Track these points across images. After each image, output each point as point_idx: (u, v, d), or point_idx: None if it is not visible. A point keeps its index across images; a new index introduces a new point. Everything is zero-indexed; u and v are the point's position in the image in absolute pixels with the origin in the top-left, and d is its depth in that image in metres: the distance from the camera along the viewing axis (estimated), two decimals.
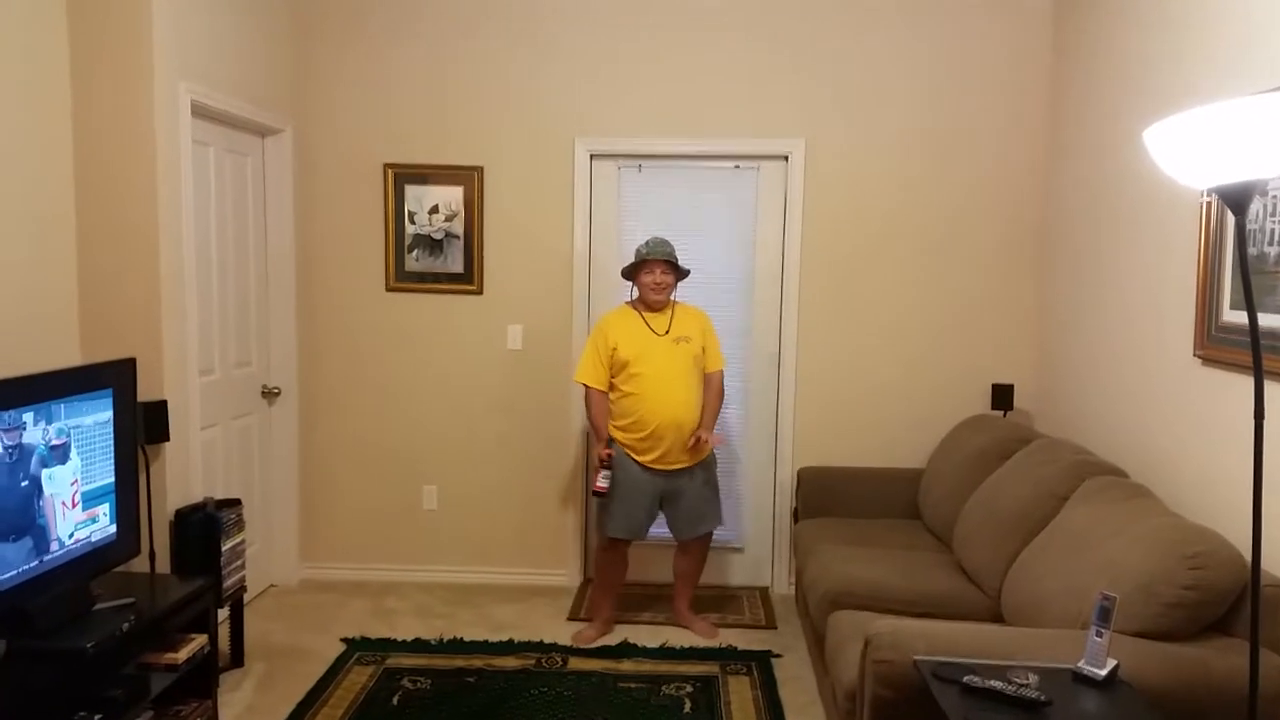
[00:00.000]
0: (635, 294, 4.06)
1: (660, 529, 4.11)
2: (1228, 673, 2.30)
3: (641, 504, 3.99)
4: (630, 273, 4.03)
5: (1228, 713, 2.27)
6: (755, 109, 4.51)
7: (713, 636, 4.11)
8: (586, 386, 4.03)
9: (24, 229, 3.17)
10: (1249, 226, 2.77)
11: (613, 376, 4.00)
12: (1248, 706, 2.01)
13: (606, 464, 3.92)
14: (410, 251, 4.63)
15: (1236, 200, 1.94)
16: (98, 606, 2.94)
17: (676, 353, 3.95)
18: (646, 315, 4.00)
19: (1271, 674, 2.29)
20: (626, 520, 3.99)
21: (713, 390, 4.06)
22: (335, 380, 4.72)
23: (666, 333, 3.97)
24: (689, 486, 4.01)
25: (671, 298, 4.04)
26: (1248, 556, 2.47)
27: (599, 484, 3.92)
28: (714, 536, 4.19)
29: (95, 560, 3.06)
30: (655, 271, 3.93)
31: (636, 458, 3.96)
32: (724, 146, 4.53)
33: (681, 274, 4.01)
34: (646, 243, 3.98)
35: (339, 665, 3.79)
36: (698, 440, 3.92)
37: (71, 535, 2.95)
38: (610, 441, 3.96)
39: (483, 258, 4.62)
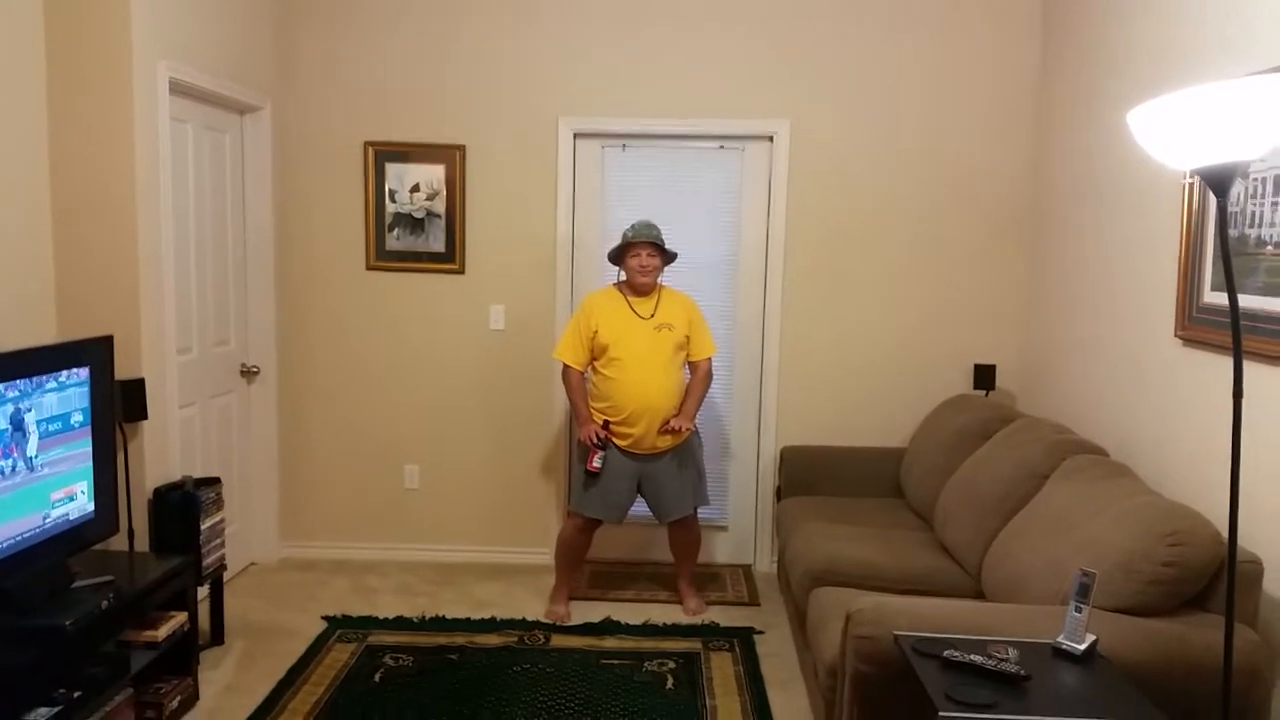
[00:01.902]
0: (622, 277, 4.04)
1: (641, 508, 4.11)
2: (1204, 647, 2.33)
3: (621, 488, 3.98)
4: (616, 256, 4.01)
5: (1204, 686, 2.30)
6: (740, 89, 4.49)
7: (695, 614, 4.13)
8: (564, 364, 4.02)
9: None
10: (1230, 209, 2.79)
11: (594, 359, 3.99)
12: (1223, 680, 2.04)
13: (602, 443, 3.91)
14: (391, 230, 4.59)
15: (1219, 182, 1.95)
16: (76, 584, 2.92)
17: (658, 339, 3.93)
18: (632, 299, 3.98)
19: (1246, 648, 2.32)
20: (605, 502, 3.99)
21: (699, 377, 4.04)
22: (315, 359, 4.69)
23: (651, 317, 3.95)
24: (666, 471, 4.00)
25: (659, 281, 4.02)
26: (1225, 534, 2.50)
27: (594, 464, 3.90)
28: (698, 514, 4.19)
29: (74, 538, 3.04)
30: (641, 254, 3.91)
31: (614, 441, 3.96)
32: (709, 127, 4.51)
33: (669, 257, 4.00)
34: (633, 225, 3.96)
35: (320, 643, 3.78)
36: (671, 429, 3.90)
37: (49, 513, 2.92)
38: (606, 423, 3.94)
39: (464, 237, 4.59)
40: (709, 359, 4.06)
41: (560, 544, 4.15)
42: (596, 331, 3.94)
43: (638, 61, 4.49)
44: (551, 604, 4.14)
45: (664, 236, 3.97)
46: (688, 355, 4.03)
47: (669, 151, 4.57)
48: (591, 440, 3.91)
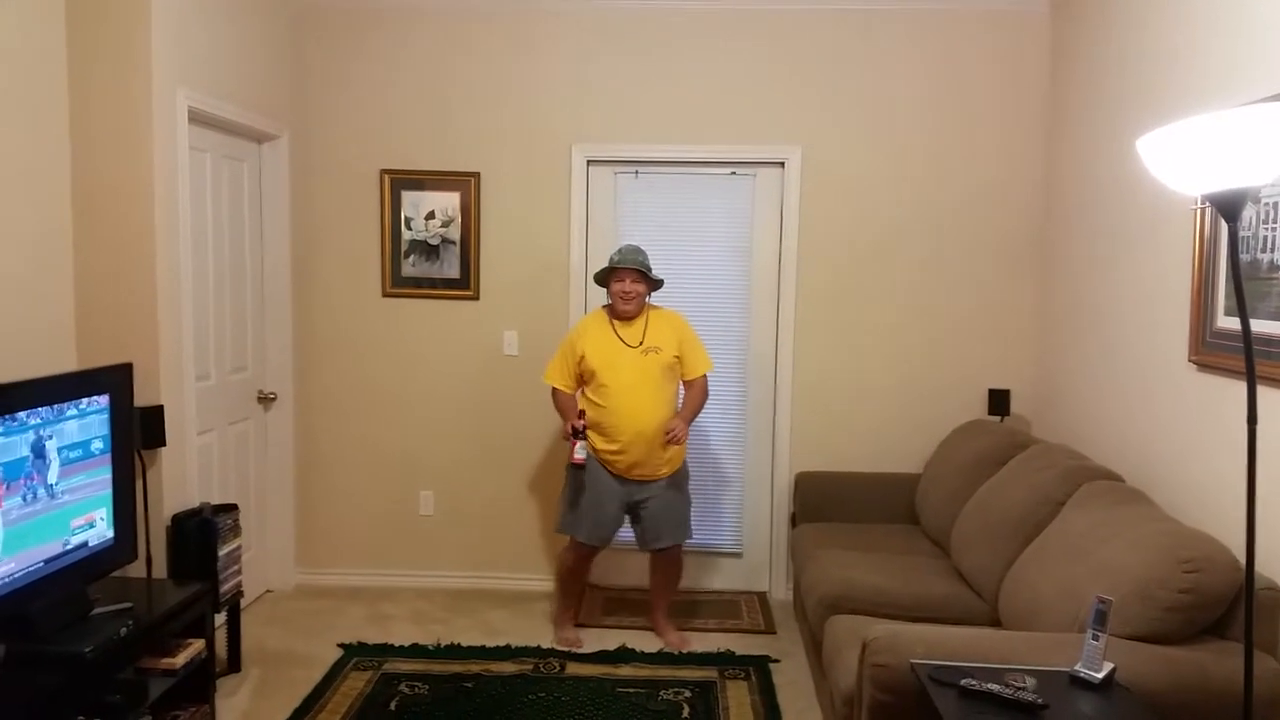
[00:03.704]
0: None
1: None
2: (1224, 675, 2.31)
3: (609, 511, 3.96)
4: (602, 278, 4.00)
5: (1224, 715, 2.27)
6: (752, 116, 4.53)
7: (683, 645, 4.06)
8: (553, 387, 4.01)
9: (21, 235, 3.17)
10: (1242, 233, 2.79)
11: (585, 384, 3.97)
12: (1243, 709, 2.03)
13: (580, 434, 3.83)
14: (406, 257, 4.64)
15: (1229, 207, 1.96)
16: (96, 611, 2.94)
17: (645, 364, 3.89)
18: (618, 325, 3.95)
19: (1266, 676, 2.31)
20: (594, 526, 3.96)
21: (695, 390, 4.00)
22: (331, 385, 4.72)
23: (639, 344, 3.91)
24: (655, 499, 3.95)
25: (648, 301, 3.98)
26: (1242, 560, 2.49)
27: (576, 455, 3.82)
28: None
29: (93, 565, 3.06)
30: (625, 280, 3.87)
31: (606, 467, 3.93)
32: (720, 153, 4.54)
33: (654, 284, 3.97)
34: (619, 250, 3.95)
35: (336, 670, 3.79)
36: (671, 434, 3.84)
37: (69, 539, 2.95)
38: (581, 413, 3.87)
39: (479, 263, 4.62)
40: (704, 376, 4.02)
41: (560, 570, 4.16)
42: (583, 356, 3.91)
43: (650, 89, 4.54)
44: (559, 630, 4.14)
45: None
46: (682, 375, 3.99)
47: (681, 178, 4.61)
48: (568, 433, 3.84)
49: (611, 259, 3.95)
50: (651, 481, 3.95)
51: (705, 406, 4.03)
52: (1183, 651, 2.40)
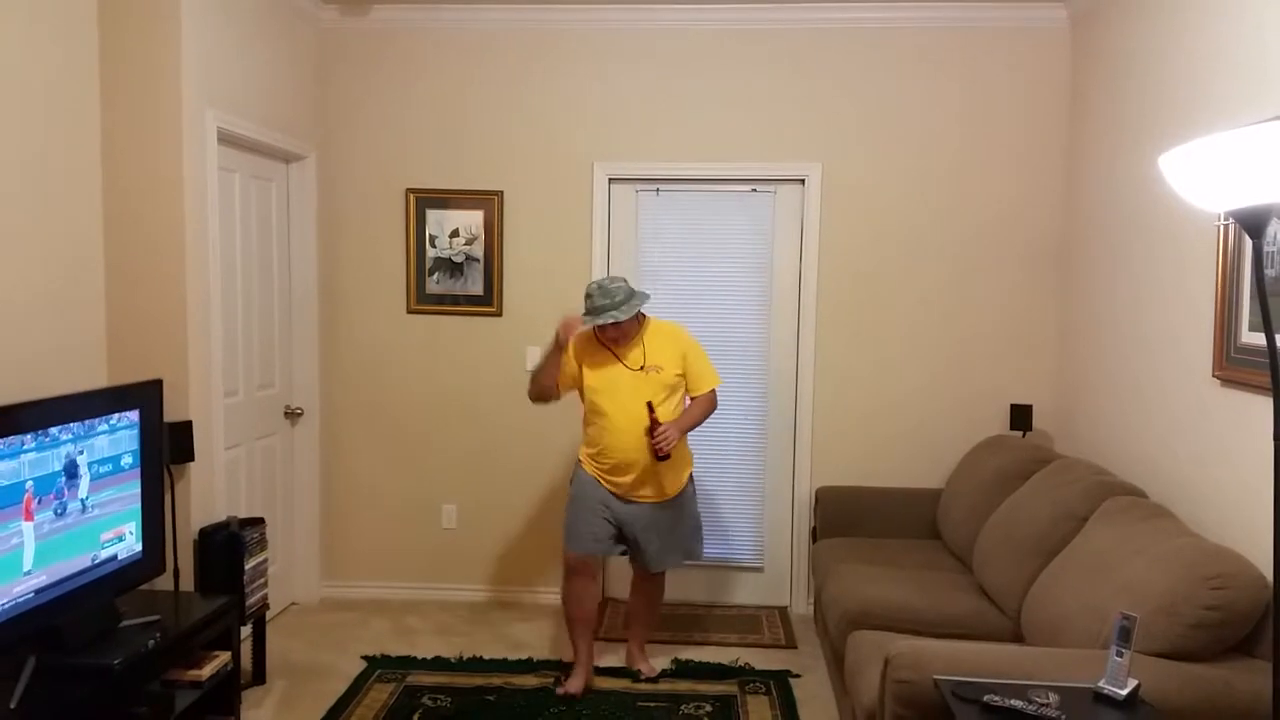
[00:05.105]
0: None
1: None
2: (1250, 694, 2.29)
3: (602, 518, 3.72)
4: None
5: None
6: (772, 133, 4.55)
7: (651, 674, 3.90)
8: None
9: (54, 254, 3.23)
10: (1266, 249, 2.78)
11: (581, 398, 3.79)
12: None
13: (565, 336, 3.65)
14: (431, 274, 4.68)
15: (1253, 224, 1.96)
16: (124, 624, 2.98)
17: (645, 383, 3.64)
18: (615, 346, 3.71)
19: None
20: (586, 531, 3.72)
21: (699, 402, 3.74)
22: (356, 401, 4.76)
23: (640, 365, 3.67)
24: (656, 520, 3.74)
25: (644, 314, 3.74)
26: (1269, 577, 2.47)
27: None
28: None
29: (122, 578, 3.11)
30: (607, 330, 3.64)
31: (606, 485, 3.73)
32: (741, 170, 4.57)
33: (639, 314, 3.69)
34: (590, 295, 3.61)
35: (360, 683, 3.81)
36: (657, 442, 3.54)
37: (99, 553, 2.99)
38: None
39: (502, 280, 4.67)
40: (711, 391, 3.75)
41: (562, 595, 3.87)
42: (581, 368, 3.73)
43: (671, 107, 4.57)
44: (567, 677, 3.81)
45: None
46: (687, 391, 3.74)
47: (702, 195, 4.63)
48: (559, 340, 3.66)
49: (585, 304, 3.63)
50: (650, 504, 3.74)
51: (710, 418, 3.77)
52: (1208, 669, 2.39)
